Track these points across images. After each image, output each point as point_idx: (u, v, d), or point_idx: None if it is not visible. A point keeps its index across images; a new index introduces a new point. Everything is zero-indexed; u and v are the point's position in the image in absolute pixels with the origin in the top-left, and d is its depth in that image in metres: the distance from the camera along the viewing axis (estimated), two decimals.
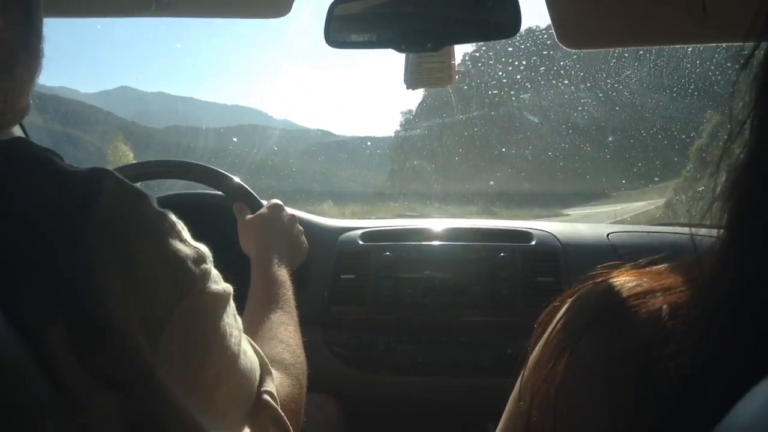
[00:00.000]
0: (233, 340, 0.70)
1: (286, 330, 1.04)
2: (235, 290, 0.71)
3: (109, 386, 0.55)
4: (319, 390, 1.59)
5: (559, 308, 0.52)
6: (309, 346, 1.25)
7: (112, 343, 0.54)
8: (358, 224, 1.85)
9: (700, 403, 0.38)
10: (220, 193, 1.51)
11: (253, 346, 0.80)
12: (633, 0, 0.99)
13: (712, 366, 0.38)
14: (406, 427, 1.83)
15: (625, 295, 0.47)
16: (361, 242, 1.73)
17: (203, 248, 0.65)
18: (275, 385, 0.82)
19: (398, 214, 3.03)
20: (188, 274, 0.61)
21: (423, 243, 1.71)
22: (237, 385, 0.72)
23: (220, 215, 1.46)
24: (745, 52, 0.41)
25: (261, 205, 1.40)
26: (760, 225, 0.39)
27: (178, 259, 0.61)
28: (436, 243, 1.71)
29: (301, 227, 1.36)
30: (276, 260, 1.19)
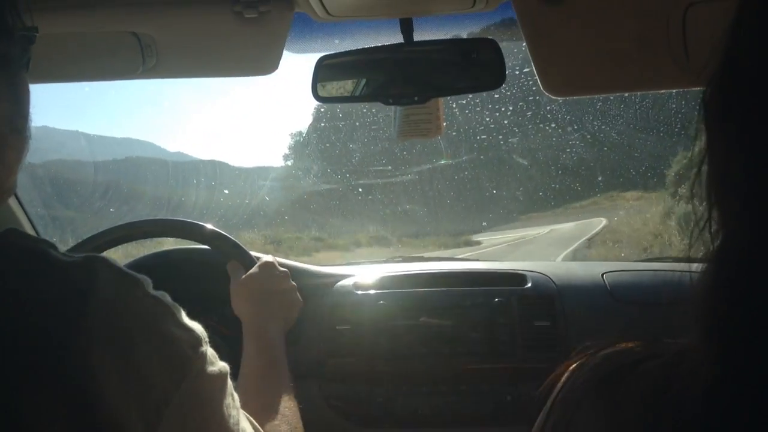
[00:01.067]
0: (232, 420, 0.69)
1: (281, 400, 1.02)
2: (229, 351, 0.70)
3: None
4: None
5: (559, 378, 0.53)
6: (305, 400, 1.23)
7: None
8: (352, 271, 1.84)
9: None
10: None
11: (251, 422, 0.79)
12: (616, 49, 1.01)
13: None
14: None
15: (619, 363, 0.48)
16: (355, 291, 1.72)
17: (199, 329, 0.65)
18: None
19: (392, 257, 3.01)
20: (185, 359, 0.61)
21: (418, 290, 1.70)
22: None
23: (211, 269, 1.45)
24: None
25: (253, 261, 1.38)
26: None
27: (173, 345, 0.60)
28: (431, 289, 1.70)
29: (294, 283, 1.34)
30: (269, 323, 1.17)
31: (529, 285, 1.68)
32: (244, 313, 1.23)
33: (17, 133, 0.64)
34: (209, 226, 1.46)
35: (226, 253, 1.42)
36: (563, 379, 0.52)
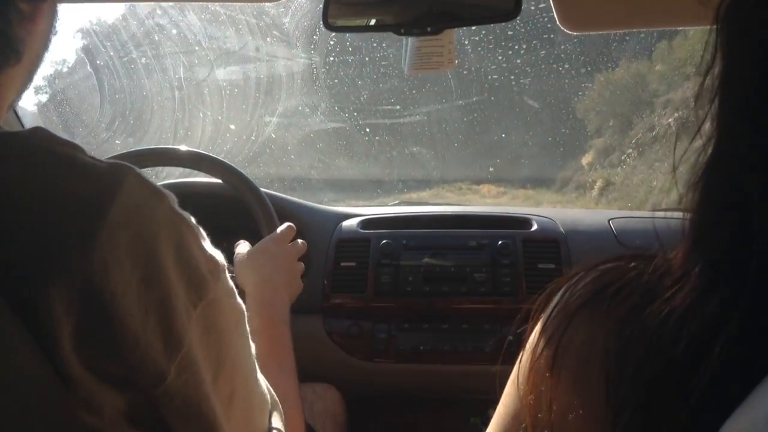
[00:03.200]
0: (248, 359, 0.68)
1: (286, 380, 1.00)
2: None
3: (119, 387, 0.54)
4: (320, 379, 1.59)
5: (555, 293, 0.53)
6: (310, 335, 1.25)
7: (125, 344, 0.53)
8: (358, 211, 1.84)
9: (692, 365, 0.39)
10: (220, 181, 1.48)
11: (263, 380, 0.78)
12: None
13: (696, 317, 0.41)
14: (407, 415, 1.83)
15: (617, 275, 0.49)
16: (360, 229, 1.72)
17: (220, 257, 0.63)
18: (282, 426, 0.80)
19: (398, 202, 3.02)
20: (203, 281, 0.59)
21: (423, 230, 1.70)
22: (250, 409, 0.70)
23: (220, 205, 1.44)
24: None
25: (276, 223, 1.34)
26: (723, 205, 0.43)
27: (192, 264, 0.59)
28: (436, 230, 1.70)
29: (303, 264, 1.29)
30: (275, 298, 1.13)
31: (535, 228, 1.68)
32: (249, 284, 1.17)
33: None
34: (255, 185, 1.43)
35: (257, 213, 1.38)
36: (556, 297, 0.52)
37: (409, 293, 1.59)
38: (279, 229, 1.29)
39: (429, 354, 1.54)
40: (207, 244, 0.62)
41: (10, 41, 0.58)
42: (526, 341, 0.54)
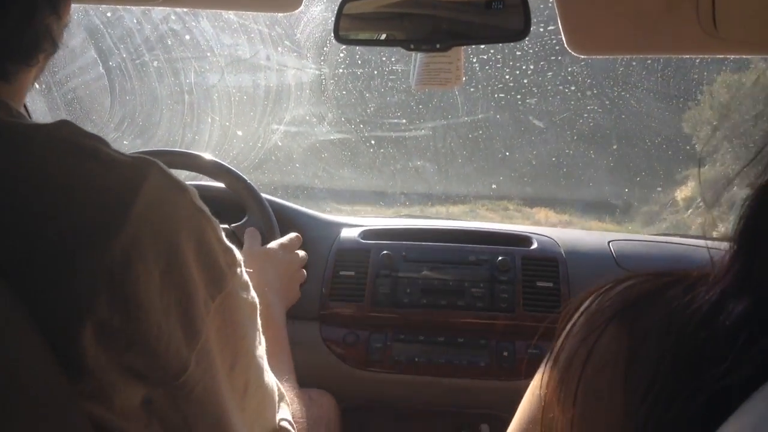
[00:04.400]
0: (260, 351, 0.70)
1: (284, 380, 1.02)
2: None
3: (141, 378, 0.55)
4: (315, 385, 1.60)
5: (579, 305, 0.53)
6: (306, 342, 1.26)
7: (148, 334, 0.54)
8: (358, 221, 1.86)
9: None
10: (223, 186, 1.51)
11: (271, 373, 0.80)
12: (644, 8, 0.99)
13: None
14: (400, 425, 1.84)
15: (647, 287, 0.49)
16: (361, 239, 1.74)
17: (236, 252, 0.65)
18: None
19: (399, 214, 3.03)
20: (221, 274, 0.61)
21: (423, 243, 1.72)
22: (263, 401, 0.72)
23: (223, 209, 1.46)
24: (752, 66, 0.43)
25: (277, 232, 1.38)
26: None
27: (212, 257, 0.60)
28: (436, 243, 1.71)
29: (305, 272, 1.33)
30: (273, 301, 1.17)
31: (535, 246, 1.69)
32: (252, 283, 1.21)
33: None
34: (258, 192, 1.47)
35: (257, 219, 1.42)
36: (585, 305, 0.52)
37: (406, 304, 1.60)
38: (287, 237, 1.32)
39: (424, 365, 1.56)
40: (224, 238, 0.64)
41: (52, 34, 0.60)
42: (521, 360, 0.55)
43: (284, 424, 0.78)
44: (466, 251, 1.67)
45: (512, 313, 1.56)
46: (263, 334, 1.05)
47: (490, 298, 1.58)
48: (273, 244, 1.30)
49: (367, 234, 1.76)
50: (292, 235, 1.34)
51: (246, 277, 0.66)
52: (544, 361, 0.55)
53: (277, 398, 0.78)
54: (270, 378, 0.74)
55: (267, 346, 1.04)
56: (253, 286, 1.19)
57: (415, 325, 1.60)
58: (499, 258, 1.62)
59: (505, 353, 1.53)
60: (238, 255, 0.65)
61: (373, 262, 1.66)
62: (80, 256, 0.53)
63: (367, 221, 1.89)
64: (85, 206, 0.54)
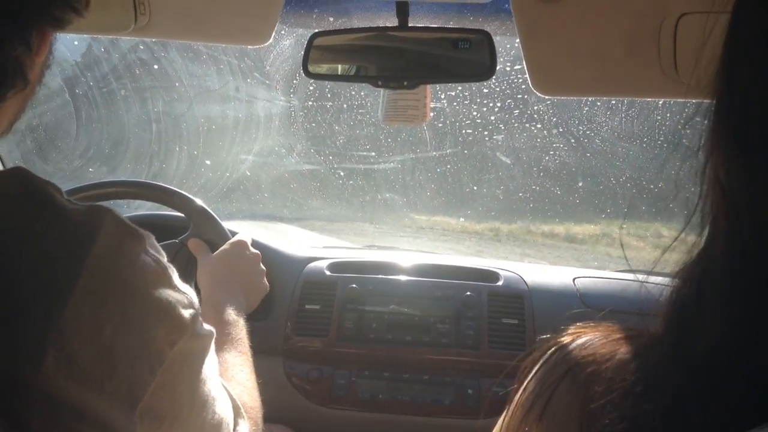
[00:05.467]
0: (216, 381, 0.69)
1: (242, 372, 1.02)
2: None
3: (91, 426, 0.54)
4: (277, 421, 1.56)
5: (538, 358, 0.54)
6: (269, 377, 1.23)
7: (99, 388, 0.53)
8: (325, 254, 1.84)
9: None
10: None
11: (225, 389, 0.79)
12: (606, 52, 1.02)
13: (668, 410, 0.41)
14: None
15: (599, 344, 0.49)
16: (328, 272, 1.72)
17: (191, 292, 0.64)
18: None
19: (368, 245, 3.02)
20: (181, 320, 0.60)
21: (390, 277, 1.71)
22: (216, 427, 0.71)
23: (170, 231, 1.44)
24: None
25: (227, 236, 1.37)
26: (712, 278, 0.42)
27: (170, 306, 0.59)
28: (403, 278, 1.71)
29: (264, 267, 1.32)
30: (228, 301, 1.15)
31: (501, 282, 1.69)
32: (206, 287, 1.21)
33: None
34: (198, 200, 1.46)
35: (203, 228, 1.41)
36: (544, 357, 0.53)
37: (371, 340, 1.59)
38: (235, 238, 1.32)
39: (388, 403, 1.54)
40: (179, 281, 0.63)
41: (23, 68, 0.59)
42: (485, 398, 0.56)
43: None
44: (433, 286, 1.66)
45: (477, 351, 1.55)
46: (221, 332, 1.05)
47: (455, 334, 1.57)
48: (225, 246, 1.30)
49: (334, 267, 1.75)
50: (239, 234, 1.33)
51: (200, 318, 0.66)
52: (505, 410, 0.55)
53: (232, 415, 0.77)
54: (224, 403, 0.73)
55: (224, 344, 1.04)
56: (206, 288, 1.19)
57: (380, 361, 1.58)
58: (466, 293, 1.62)
59: (470, 391, 1.52)
60: (194, 294, 0.64)
61: (340, 295, 1.64)
62: (30, 312, 0.51)
63: (335, 253, 1.87)
64: (37, 259, 0.53)
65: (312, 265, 1.75)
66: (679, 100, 1.13)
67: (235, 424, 0.78)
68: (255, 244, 1.72)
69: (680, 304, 0.44)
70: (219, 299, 1.15)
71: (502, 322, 1.59)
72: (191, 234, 1.42)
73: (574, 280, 1.74)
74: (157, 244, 0.62)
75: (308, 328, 1.62)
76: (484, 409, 1.47)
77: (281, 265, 1.71)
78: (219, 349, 1.03)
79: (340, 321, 1.60)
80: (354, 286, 1.64)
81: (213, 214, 1.45)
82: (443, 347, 1.57)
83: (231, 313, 1.12)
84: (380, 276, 1.71)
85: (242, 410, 0.81)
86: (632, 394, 0.43)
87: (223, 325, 1.09)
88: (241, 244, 1.31)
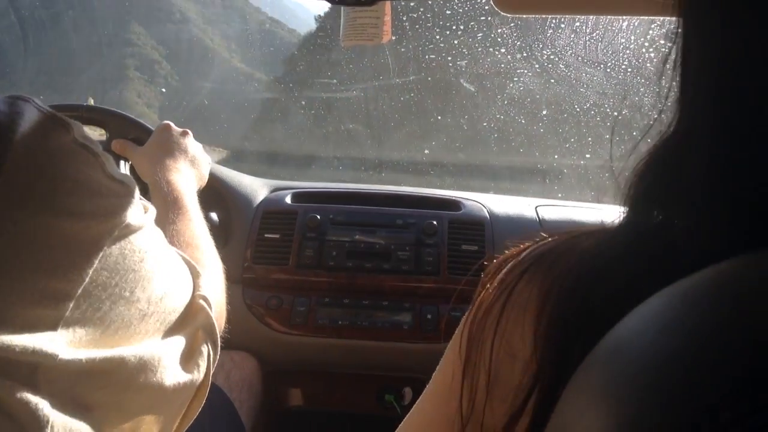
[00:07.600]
0: (161, 253, 0.66)
1: (199, 237, 1.00)
2: None
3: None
4: (238, 348, 1.57)
5: (499, 266, 0.55)
6: (229, 304, 1.22)
7: (25, 285, 0.50)
8: (288, 184, 1.81)
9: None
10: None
11: (180, 255, 0.76)
12: None
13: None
14: (324, 388, 1.83)
15: (561, 240, 0.51)
16: (288, 202, 1.69)
17: (128, 180, 0.60)
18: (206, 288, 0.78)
19: (332, 180, 2.99)
20: (116, 208, 0.57)
21: (351, 206, 1.69)
22: (171, 305, 0.68)
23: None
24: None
25: (149, 129, 1.35)
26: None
27: (103, 195, 0.55)
28: (364, 207, 1.69)
29: (198, 143, 1.29)
30: (178, 179, 1.13)
31: (462, 210, 1.69)
32: (149, 174, 1.16)
33: None
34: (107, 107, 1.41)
35: (123, 130, 1.36)
36: (506, 261, 0.54)
37: (332, 267, 1.58)
38: (158, 126, 1.30)
39: (347, 329, 1.54)
40: (115, 169, 0.59)
41: None
42: (444, 323, 0.56)
43: (200, 301, 0.74)
44: (394, 215, 1.65)
45: (437, 276, 1.56)
46: (172, 206, 1.03)
47: (415, 261, 1.57)
48: (152, 137, 1.27)
49: (296, 197, 1.72)
50: (161, 125, 1.30)
51: (144, 201, 0.62)
52: (462, 320, 0.55)
53: (190, 282, 0.74)
54: (177, 278, 0.70)
55: (177, 216, 1.01)
56: (150, 175, 1.14)
57: (340, 289, 1.58)
58: (427, 221, 1.62)
59: (429, 316, 1.53)
60: (131, 182, 0.61)
61: (300, 224, 1.62)
62: None
63: (299, 184, 1.84)
64: None
65: (273, 194, 1.73)
66: (645, 18, 1.09)
67: (195, 287, 0.75)
68: (214, 174, 1.69)
69: (653, 178, 0.44)
70: (165, 179, 1.12)
71: (462, 249, 1.60)
72: (111, 138, 1.37)
73: (536, 208, 1.75)
74: (87, 134, 0.58)
75: (267, 257, 1.60)
76: (442, 333, 1.49)
77: (241, 195, 1.68)
78: (172, 221, 1.00)
79: (300, 249, 1.59)
80: (314, 215, 1.62)
81: (128, 114, 1.41)
82: (403, 273, 1.57)
83: (181, 187, 1.10)
84: (342, 205, 1.69)
85: (198, 269, 0.78)
86: (586, 280, 0.43)
87: (174, 200, 1.06)
88: (166, 127, 1.27)
